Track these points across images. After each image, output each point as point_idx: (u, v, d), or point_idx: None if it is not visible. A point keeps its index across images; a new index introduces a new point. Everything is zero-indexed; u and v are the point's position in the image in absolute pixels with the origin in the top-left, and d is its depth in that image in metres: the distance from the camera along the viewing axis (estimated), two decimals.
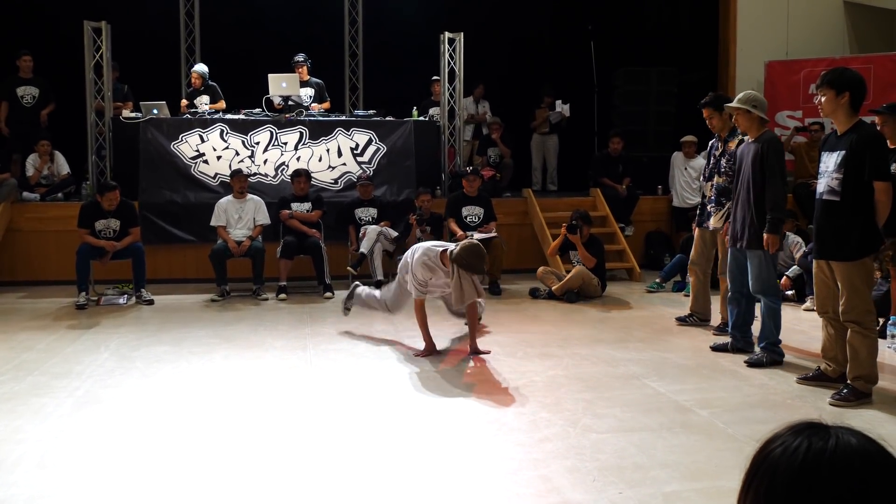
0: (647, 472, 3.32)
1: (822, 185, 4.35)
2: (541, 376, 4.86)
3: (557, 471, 3.34)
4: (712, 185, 6.01)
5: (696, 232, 6.23)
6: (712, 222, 6.00)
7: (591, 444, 3.65)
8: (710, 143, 6.20)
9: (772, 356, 5.09)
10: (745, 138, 5.77)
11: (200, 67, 9.74)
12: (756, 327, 5.37)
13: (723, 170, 5.91)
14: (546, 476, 3.29)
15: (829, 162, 4.31)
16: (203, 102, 9.52)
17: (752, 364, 5.06)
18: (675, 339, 5.96)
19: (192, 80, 9.63)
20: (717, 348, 5.48)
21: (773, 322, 5.14)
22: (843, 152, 4.21)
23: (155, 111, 8.93)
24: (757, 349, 5.22)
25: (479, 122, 11.08)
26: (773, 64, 11.13)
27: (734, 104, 5.21)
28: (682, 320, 6.41)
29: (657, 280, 8.20)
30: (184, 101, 9.69)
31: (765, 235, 5.00)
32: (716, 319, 6.25)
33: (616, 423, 3.98)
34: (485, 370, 5.01)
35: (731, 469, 3.32)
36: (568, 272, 7.79)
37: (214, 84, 9.93)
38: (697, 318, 6.34)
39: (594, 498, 3.07)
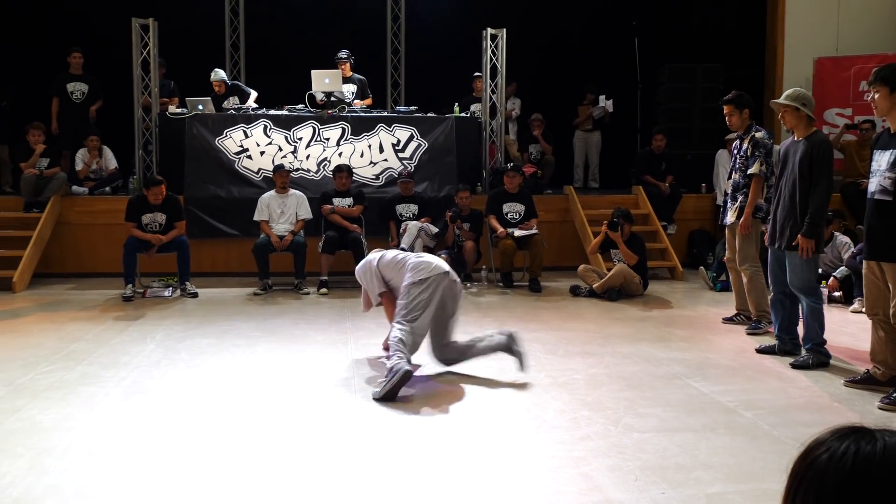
0: (690, 473, 3.28)
1: (873, 185, 4.25)
2: (582, 374, 4.83)
3: (599, 469, 3.31)
4: (731, 182, 6.13)
5: (726, 230, 6.28)
6: (729, 217, 6.09)
7: (633, 444, 3.62)
8: (735, 142, 6.22)
9: (818, 357, 4.99)
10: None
11: (218, 74, 9.80)
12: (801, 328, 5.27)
13: (738, 166, 6.01)
14: (587, 474, 3.27)
15: (882, 161, 4.21)
16: (234, 104, 9.61)
17: (797, 366, 4.97)
18: (718, 339, 5.88)
19: (215, 88, 9.71)
20: (763, 350, 5.39)
21: (816, 322, 5.03)
22: None
23: (200, 107, 9.07)
24: (803, 351, 5.12)
25: (506, 119, 11.00)
26: (823, 60, 10.90)
27: (782, 101, 5.11)
28: (729, 320, 6.34)
29: (713, 274, 8.12)
30: None
31: (800, 238, 4.90)
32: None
33: (658, 422, 3.93)
34: (526, 368, 4.98)
35: (775, 471, 3.27)
36: (609, 270, 7.73)
37: (237, 83, 10.05)
38: (744, 315, 6.26)
39: (636, 497, 3.04)
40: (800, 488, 1.04)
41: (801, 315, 5.23)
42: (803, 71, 10.98)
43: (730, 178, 6.17)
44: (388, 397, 4.25)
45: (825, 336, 5.08)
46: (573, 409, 4.15)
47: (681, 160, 10.06)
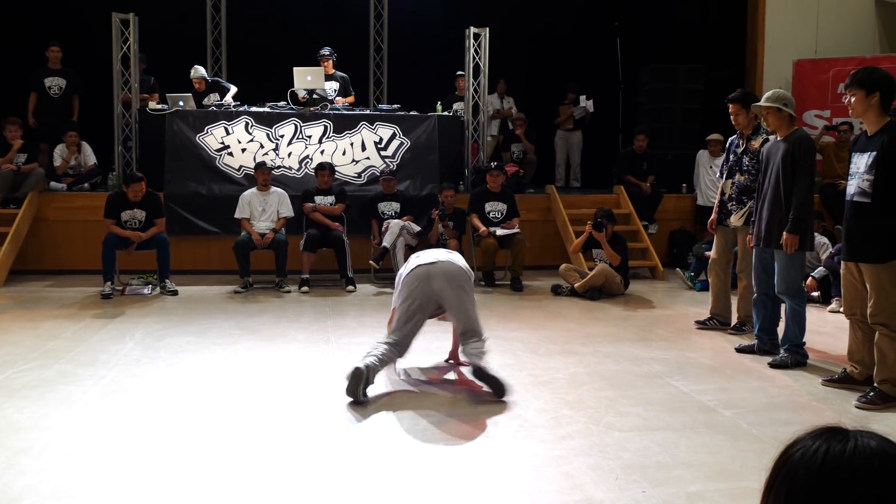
0: (671, 472, 3.30)
1: (852, 187, 4.29)
2: (563, 373, 4.84)
3: (580, 468, 3.33)
4: (734, 183, 5.93)
5: (717, 231, 6.14)
6: (733, 220, 5.93)
7: (614, 443, 3.63)
8: (731, 139, 6.12)
9: (796, 357, 5.04)
10: (773, 137, 5.74)
11: (198, 71, 9.74)
12: (781, 328, 5.32)
13: (745, 168, 5.85)
14: (569, 473, 3.28)
15: (860, 163, 4.25)
16: (214, 100, 9.55)
17: (775, 365, 5.01)
18: (699, 338, 5.92)
19: (195, 85, 9.65)
20: (742, 350, 5.43)
21: (796, 324, 5.08)
22: (875, 153, 4.15)
23: (181, 103, 9.00)
24: (781, 351, 5.17)
25: (505, 118, 11.05)
26: (802, 62, 11.01)
27: (763, 103, 5.15)
28: (702, 324, 6.25)
29: (691, 273, 8.17)
30: None
31: (785, 234, 4.94)
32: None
33: (639, 421, 3.95)
34: (507, 367, 4.99)
35: (755, 470, 3.29)
36: (590, 269, 7.76)
37: (217, 79, 10.00)
38: (718, 320, 6.20)
39: (617, 496, 3.06)
40: (774, 485, 1.07)
41: (782, 316, 5.28)
42: (783, 72, 11.08)
43: (728, 178, 5.97)
44: (350, 396, 4.16)
45: (804, 338, 5.12)
46: (554, 407, 4.16)
47: (662, 160, 10.13)
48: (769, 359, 5.15)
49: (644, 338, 5.89)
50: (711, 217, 6.19)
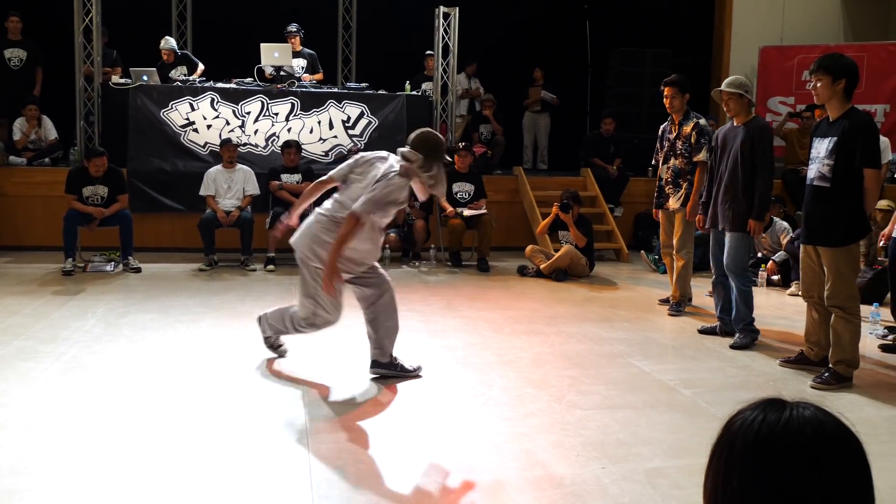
0: (630, 449, 3.36)
1: (812, 171, 4.37)
2: (527, 353, 4.89)
3: (542, 445, 3.37)
4: (668, 168, 6.11)
5: (660, 216, 6.28)
6: (671, 203, 6.09)
7: (576, 420, 3.69)
8: (662, 126, 6.27)
9: (750, 335, 5.18)
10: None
11: (168, 42, 9.61)
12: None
13: (679, 152, 6.02)
14: (530, 450, 3.32)
15: (821, 148, 4.33)
16: (181, 74, 9.41)
17: (735, 347, 5.11)
18: (661, 319, 6.01)
19: (164, 57, 9.50)
20: (704, 331, 5.52)
21: (745, 304, 5.21)
22: (835, 139, 4.23)
23: (145, 77, 8.83)
24: (736, 332, 5.27)
25: (472, 98, 11.03)
26: (768, 49, 11.14)
27: (726, 88, 5.21)
28: (665, 302, 6.41)
29: (656, 256, 8.27)
30: None
31: (751, 222, 5.05)
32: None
33: (601, 400, 4.01)
34: (472, 346, 5.03)
35: None
36: (556, 251, 7.81)
37: (186, 52, 9.85)
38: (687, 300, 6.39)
39: (578, 472, 3.11)
40: (716, 454, 1.13)
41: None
42: (749, 59, 11.21)
43: (664, 163, 6.14)
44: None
45: (753, 315, 5.25)
46: (518, 386, 4.20)
47: (628, 144, 10.21)
48: (729, 340, 5.25)
49: (607, 318, 5.97)
50: (654, 207, 6.34)
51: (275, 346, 4.66)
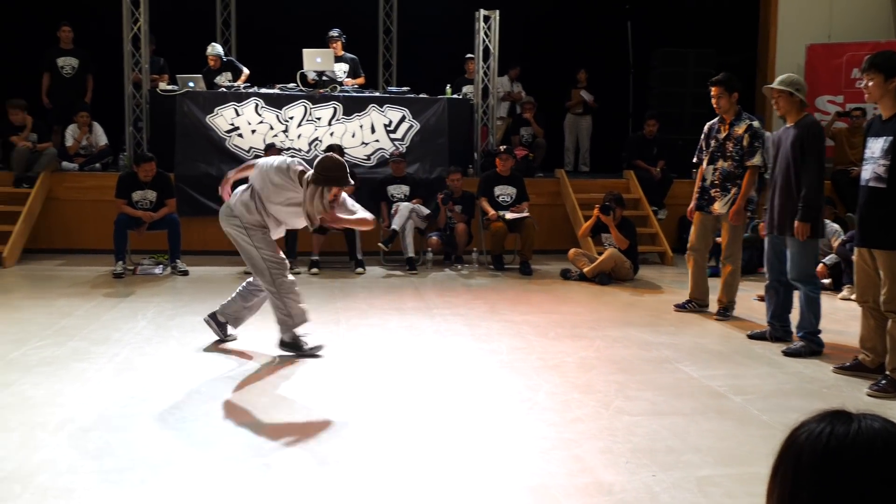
0: (680, 456, 3.32)
1: (867, 172, 4.27)
2: (572, 357, 4.86)
3: (590, 451, 3.35)
4: (716, 170, 5.93)
5: (696, 217, 6.13)
6: (717, 207, 5.94)
7: (624, 427, 3.65)
8: (710, 124, 6.08)
9: (810, 346, 5.02)
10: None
11: (214, 49, 9.76)
12: (795, 316, 5.30)
13: (729, 154, 5.85)
14: (578, 456, 3.30)
15: (875, 148, 4.23)
16: (226, 79, 9.55)
17: (789, 353, 5.00)
18: (708, 324, 5.93)
19: (210, 63, 9.66)
20: (754, 336, 5.42)
21: (811, 311, 5.05)
22: (891, 138, 4.13)
23: (191, 84, 8.99)
24: (795, 338, 5.16)
25: (514, 101, 11.02)
26: (815, 47, 10.92)
27: (776, 86, 5.12)
28: (680, 307, 6.31)
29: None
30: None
31: (796, 223, 4.93)
32: (717, 307, 6.17)
33: (648, 406, 3.97)
34: (516, 350, 5.02)
35: (764, 456, 3.26)
36: (599, 254, 7.76)
37: (231, 58, 9.99)
38: (696, 304, 6.28)
39: (627, 479, 3.08)
40: (780, 467, 1.11)
41: (794, 304, 5.26)
42: (795, 57, 11.00)
43: (710, 164, 5.96)
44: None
45: (819, 326, 5.10)
46: (564, 391, 4.18)
47: (672, 145, 10.09)
48: (780, 346, 5.15)
49: (653, 323, 5.90)
50: (690, 205, 6.20)
51: (225, 333, 5.05)
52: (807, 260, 5.05)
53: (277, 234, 4.88)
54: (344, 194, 4.65)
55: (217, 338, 5.04)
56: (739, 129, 5.83)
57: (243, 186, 4.78)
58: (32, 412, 3.67)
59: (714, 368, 4.70)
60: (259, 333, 5.35)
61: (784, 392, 4.26)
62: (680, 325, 5.83)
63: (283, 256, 4.84)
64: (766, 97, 5.50)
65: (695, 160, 6.29)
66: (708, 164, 6.01)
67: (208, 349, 4.93)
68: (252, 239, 4.67)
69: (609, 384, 4.31)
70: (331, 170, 4.44)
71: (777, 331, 5.31)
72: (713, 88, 5.86)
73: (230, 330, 5.10)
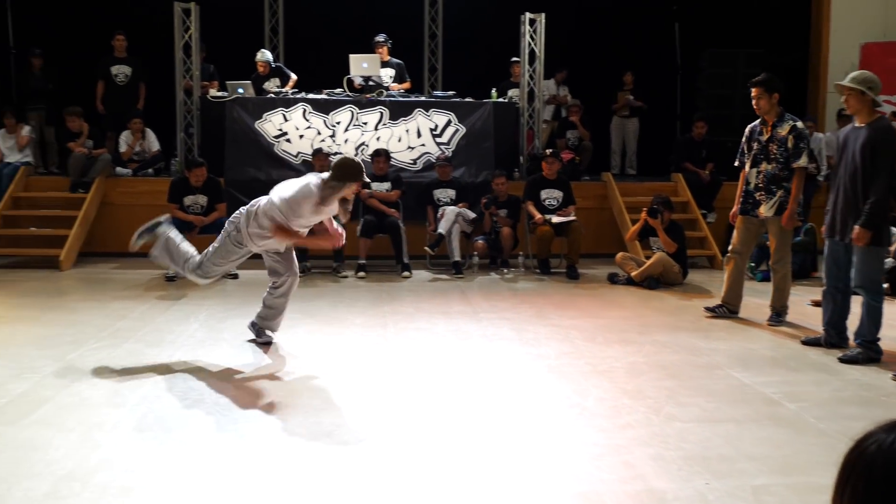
0: (734, 464, 3.26)
1: None
2: (621, 362, 4.81)
3: (641, 458, 3.31)
4: (760, 172, 5.82)
5: (739, 220, 6.03)
6: (763, 210, 5.82)
7: (676, 433, 3.60)
8: (751, 126, 5.97)
9: (868, 353, 4.87)
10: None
11: (264, 55, 9.89)
12: (852, 323, 5.15)
13: (773, 156, 5.74)
14: (630, 463, 3.26)
15: None
16: (275, 85, 9.69)
17: (846, 360, 4.86)
18: (760, 329, 5.82)
19: (259, 69, 9.80)
20: (809, 342, 5.29)
21: (872, 320, 4.90)
22: None
23: (240, 90, 9.14)
24: (852, 345, 5.03)
25: (559, 104, 10.97)
26: (870, 46, 10.66)
27: (847, 83, 4.89)
28: (711, 311, 6.20)
29: (752, 263, 8.00)
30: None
31: (856, 228, 4.79)
32: (756, 313, 6.06)
33: (700, 412, 3.91)
34: (565, 355, 4.99)
35: (822, 465, 3.23)
36: (647, 258, 7.67)
37: (280, 65, 10.13)
38: (727, 308, 6.15)
39: (679, 487, 3.04)
40: (849, 479, 1.06)
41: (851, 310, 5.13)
42: (849, 56, 10.75)
43: (753, 166, 5.85)
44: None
45: (879, 334, 4.94)
46: (613, 397, 4.14)
47: (721, 147, 9.91)
48: (835, 352, 5.02)
49: (703, 328, 5.82)
50: (733, 209, 6.11)
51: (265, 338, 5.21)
52: (872, 268, 4.89)
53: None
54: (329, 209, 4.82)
55: (263, 343, 5.14)
56: (783, 131, 5.72)
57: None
58: (90, 412, 3.77)
59: (767, 375, 4.61)
60: (309, 337, 5.41)
61: (841, 400, 4.16)
62: (731, 331, 5.74)
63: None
64: (819, 97, 5.38)
65: (736, 164, 6.19)
66: (751, 167, 5.90)
67: (259, 352, 5.01)
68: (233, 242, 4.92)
69: (659, 390, 4.26)
70: (347, 167, 4.67)
71: (832, 337, 5.18)
72: (753, 89, 5.76)
73: (269, 334, 5.22)
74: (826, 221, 5.16)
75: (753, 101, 5.78)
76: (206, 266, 4.96)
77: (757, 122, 5.92)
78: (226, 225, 5.04)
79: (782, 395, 4.19)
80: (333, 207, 4.83)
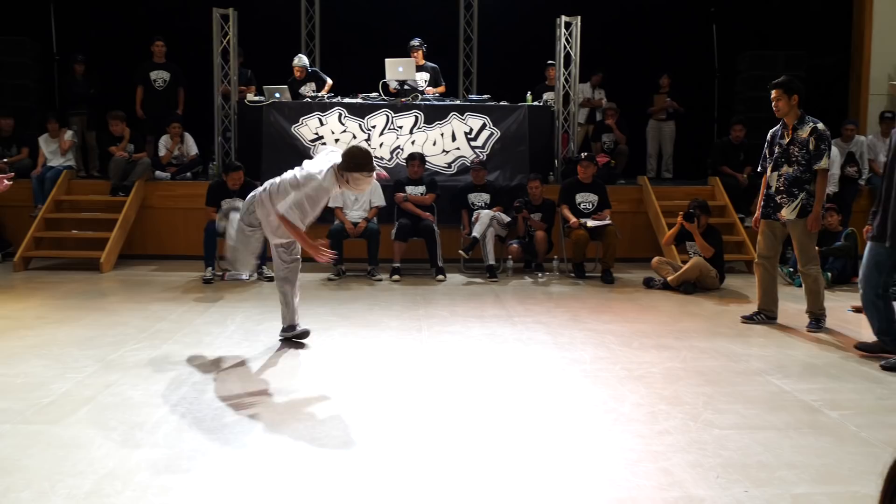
0: (774, 472, 3.21)
1: None
2: (658, 368, 4.76)
3: (679, 465, 3.27)
4: (780, 175, 5.79)
5: (762, 225, 5.98)
6: (784, 213, 5.77)
7: (714, 440, 3.56)
8: (773, 131, 5.95)
9: None
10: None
11: (301, 60, 9.97)
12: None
13: (793, 158, 5.71)
14: (667, 469, 3.23)
15: None
16: (311, 90, 9.77)
17: (888, 367, 4.76)
18: (799, 335, 5.72)
19: (296, 73, 9.89)
20: (863, 348, 5.14)
21: None
22: None
23: (277, 95, 9.24)
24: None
25: (594, 108, 10.91)
26: None
27: None
28: (748, 318, 6.11)
29: (791, 269, 7.88)
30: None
31: None
32: (795, 319, 5.94)
33: (739, 419, 3.86)
34: (600, 359, 4.95)
35: (865, 474, 3.17)
36: (684, 263, 7.59)
37: (316, 69, 10.22)
38: (765, 315, 6.07)
39: (718, 495, 3.00)
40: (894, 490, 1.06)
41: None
42: (891, 57, 10.54)
43: (775, 170, 5.82)
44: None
45: None
46: (650, 402, 4.10)
47: (759, 151, 9.74)
48: (880, 359, 4.91)
49: (741, 333, 5.74)
50: (756, 214, 6.08)
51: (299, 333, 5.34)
52: None
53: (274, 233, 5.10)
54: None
55: (297, 341, 5.27)
56: (804, 133, 5.69)
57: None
58: (131, 412, 3.83)
59: (807, 382, 4.53)
60: (344, 339, 5.45)
61: (885, 408, 4.07)
62: (769, 337, 5.65)
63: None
64: (861, 99, 5.29)
65: (759, 169, 6.18)
66: (772, 170, 5.89)
67: (295, 354, 5.05)
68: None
69: (697, 396, 4.21)
70: (357, 157, 4.70)
71: (888, 344, 5.03)
72: (773, 91, 5.74)
73: (299, 329, 5.34)
74: (873, 225, 5.03)
75: (773, 104, 5.76)
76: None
77: (778, 126, 5.91)
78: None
79: (823, 403, 4.12)
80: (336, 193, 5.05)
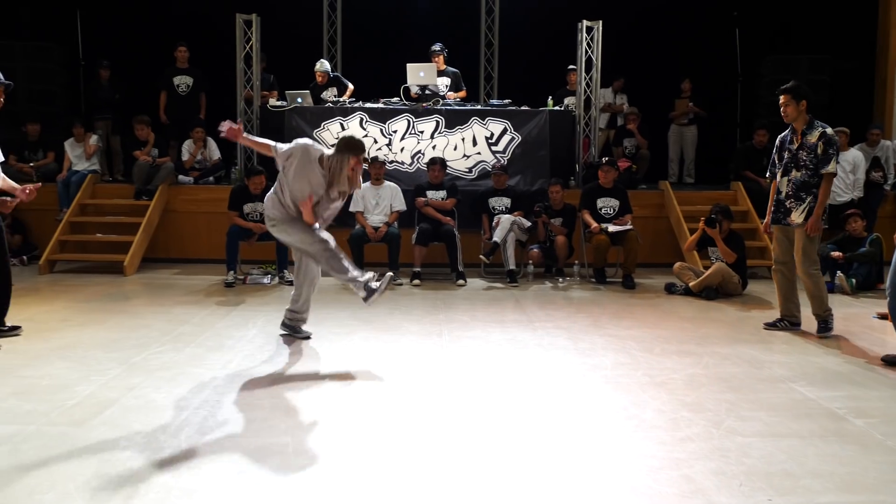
0: (798, 481, 3.18)
1: None
2: (680, 374, 4.73)
3: (701, 472, 3.25)
4: (790, 181, 5.78)
5: (774, 231, 5.97)
6: (794, 217, 5.75)
7: (737, 448, 3.53)
8: (781, 137, 5.94)
9: None
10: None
11: (323, 65, 10.03)
12: None
13: (803, 163, 5.69)
14: (689, 477, 3.21)
15: None
16: (332, 95, 9.82)
17: (887, 361, 4.71)
18: (824, 342, 5.66)
19: (318, 79, 9.94)
20: (888, 359, 5.10)
21: None
22: None
23: (299, 100, 9.30)
24: None
25: (615, 112, 10.88)
26: None
27: None
28: (770, 325, 6.07)
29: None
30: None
31: None
32: (808, 324, 5.90)
33: (762, 427, 3.82)
34: (621, 365, 4.93)
35: (891, 483, 3.13)
36: (706, 268, 7.54)
37: (337, 74, 10.27)
38: (788, 322, 6.03)
39: (741, 503, 2.97)
40: None
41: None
42: None
43: (784, 175, 5.82)
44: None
45: None
46: (672, 409, 4.07)
47: None
48: None
49: (764, 340, 5.69)
50: (766, 220, 6.07)
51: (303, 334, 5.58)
52: None
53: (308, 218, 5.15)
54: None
55: (303, 338, 5.52)
56: (812, 137, 5.68)
57: (270, 191, 5.29)
58: (155, 414, 3.87)
59: (832, 389, 4.48)
60: (365, 344, 5.46)
61: None
62: (793, 343, 5.60)
63: (319, 234, 5.17)
64: (886, 103, 5.24)
65: (767, 175, 6.17)
66: (782, 176, 5.89)
67: (315, 358, 5.07)
68: (289, 230, 5.12)
69: (719, 403, 4.17)
70: (349, 141, 4.98)
71: None
72: (781, 97, 5.75)
73: (304, 329, 5.59)
74: None
75: (781, 109, 5.77)
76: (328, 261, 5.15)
77: (787, 131, 5.90)
78: (278, 234, 5.30)
79: (848, 411, 4.07)
80: (343, 185, 5.00)
